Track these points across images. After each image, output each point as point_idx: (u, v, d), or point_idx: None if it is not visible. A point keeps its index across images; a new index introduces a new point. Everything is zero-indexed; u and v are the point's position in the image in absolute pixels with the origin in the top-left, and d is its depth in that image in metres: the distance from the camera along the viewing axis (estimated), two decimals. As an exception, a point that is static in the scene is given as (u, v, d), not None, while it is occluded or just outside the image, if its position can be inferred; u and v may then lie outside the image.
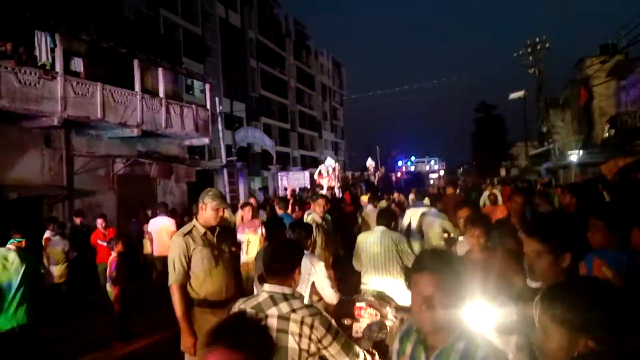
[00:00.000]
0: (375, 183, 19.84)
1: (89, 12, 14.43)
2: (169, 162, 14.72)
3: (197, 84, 32.07)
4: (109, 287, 6.70)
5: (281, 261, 2.40)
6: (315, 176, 17.02)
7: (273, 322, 2.23)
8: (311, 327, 2.21)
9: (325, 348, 2.24)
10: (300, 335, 2.21)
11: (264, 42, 45.04)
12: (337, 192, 15.51)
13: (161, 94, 14.98)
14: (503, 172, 36.17)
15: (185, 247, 3.59)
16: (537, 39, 24.25)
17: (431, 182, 39.38)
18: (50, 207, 12.24)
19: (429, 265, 1.58)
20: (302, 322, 2.22)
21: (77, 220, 10.62)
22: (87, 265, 9.35)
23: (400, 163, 52.09)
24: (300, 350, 2.21)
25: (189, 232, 3.68)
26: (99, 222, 9.44)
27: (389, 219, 5.14)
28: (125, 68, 14.23)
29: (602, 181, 10.14)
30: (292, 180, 21.30)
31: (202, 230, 3.69)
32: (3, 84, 10.30)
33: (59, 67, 11.70)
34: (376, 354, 2.71)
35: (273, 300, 2.30)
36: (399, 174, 36.32)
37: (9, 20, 10.85)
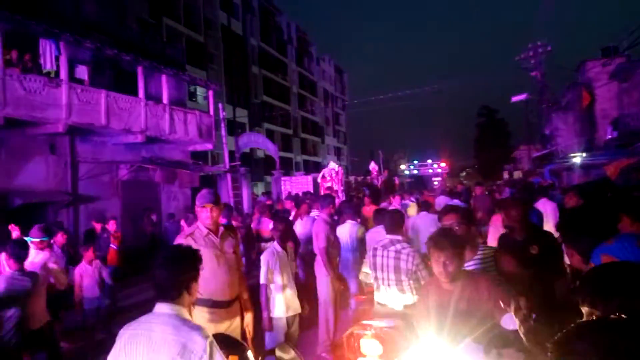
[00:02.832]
0: (379, 186, 19.85)
1: (93, 21, 14.57)
2: (173, 167, 14.78)
3: (200, 91, 32.24)
4: None
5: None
6: (319, 180, 17.07)
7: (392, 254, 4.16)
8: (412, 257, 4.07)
9: (420, 270, 4.02)
10: (406, 261, 4.06)
11: (266, 49, 45.28)
12: (341, 196, 15.55)
13: (165, 100, 15.08)
14: (506, 175, 36.13)
15: None
16: (539, 42, 24.30)
17: (435, 184, 39.35)
18: (55, 212, 12.33)
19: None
20: (407, 254, 4.09)
21: (98, 227, 10.50)
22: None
23: (403, 167, 52.13)
24: (408, 269, 4.04)
25: (191, 234, 3.73)
26: (111, 225, 9.61)
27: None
28: (129, 75, 14.35)
29: (607, 182, 10.15)
30: (296, 185, 21.33)
31: (205, 231, 3.73)
32: (8, 91, 10.40)
33: (63, 74, 11.81)
34: None
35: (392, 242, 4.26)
36: (401, 177, 36.33)
37: (14, 28, 10.97)
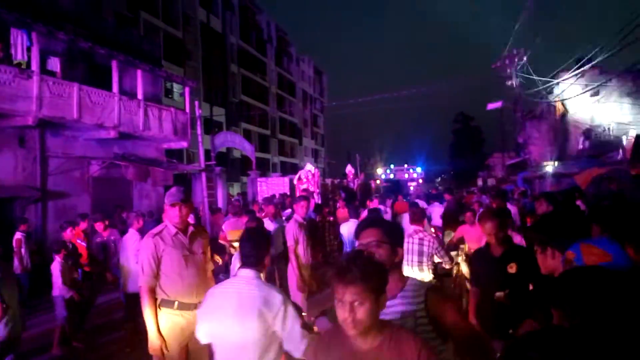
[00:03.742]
0: (355, 189, 19.85)
1: (67, 12, 14.21)
2: (146, 164, 14.51)
3: (176, 88, 31.84)
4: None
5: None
6: (295, 181, 16.98)
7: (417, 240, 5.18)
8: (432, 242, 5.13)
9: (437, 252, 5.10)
10: (428, 246, 5.11)
11: (245, 47, 44.99)
12: (317, 198, 15.48)
13: (139, 95, 14.80)
14: (480, 182, 36.58)
15: (154, 247, 3.52)
16: (515, 51, 24.64)
17: (410, 189, 39.60)
18: (23, 208, 11.96)
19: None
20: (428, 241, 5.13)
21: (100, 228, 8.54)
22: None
23: (380, 170, 52.38)
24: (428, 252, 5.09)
25: (159, 233, 3.61)
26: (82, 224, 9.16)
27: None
28: (103, 69, 14.04)
29: (577, 191, 10.33)
30: (272, 186, 21.18)
31: (173, 230, 3.61)
32: (-24, 81, 10.07)
33: (35, 66, 11.49)
34: None
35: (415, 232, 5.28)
36: (377, 181, 36.46)
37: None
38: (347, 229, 7.93)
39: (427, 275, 5.09)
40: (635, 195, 9.28)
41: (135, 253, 5.65)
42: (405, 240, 4.70)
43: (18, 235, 8.78)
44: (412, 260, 5.13)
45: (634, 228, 2.94)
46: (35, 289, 8.79)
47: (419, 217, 5.68)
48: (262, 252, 2.82)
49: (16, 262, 8.48)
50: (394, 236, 2.33)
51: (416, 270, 5.11)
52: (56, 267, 6.41)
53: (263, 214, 9.44)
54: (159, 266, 3.51)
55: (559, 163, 21.65)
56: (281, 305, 2.61)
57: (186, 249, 3.63)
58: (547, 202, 6.82)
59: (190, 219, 3.90)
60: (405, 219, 7.11)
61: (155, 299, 3.50)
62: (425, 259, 5.16)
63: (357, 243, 2.37)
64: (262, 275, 2.82)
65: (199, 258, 3.70)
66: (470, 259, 4.57)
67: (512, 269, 3.53)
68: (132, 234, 6.68)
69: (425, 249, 5.19)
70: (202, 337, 2.76)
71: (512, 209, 8.21)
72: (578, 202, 8.68)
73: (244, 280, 2.72)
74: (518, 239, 5.33)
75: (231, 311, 2.60)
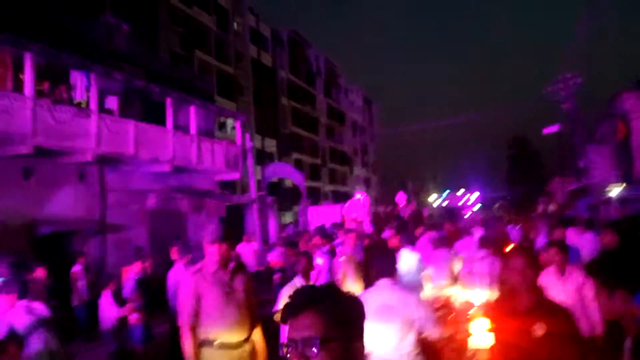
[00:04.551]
0: (406, 218, 19.47)
1: (125, 52, 14.96)
2: (200, 196, 14.82)
3: (230, 121, 32.72)
4: None
5: None
6: (344, 211, 16.84)
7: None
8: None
9: None
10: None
11: (294, 80, 45.90)
12: (367, 227, 15.25)
13: (192, 130, 15.23)
14: (540, 208, 35.14)
15: (195, 286, 3.47)
16: (568, 75, 23.86)
17: (465, 216, 38.45)
18: (82, 241, 12.40)
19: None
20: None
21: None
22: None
23: (432, 198, 51.36)
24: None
25: (199, 271, 3.57)
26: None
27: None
28: (158, 106, 14.59)
29: (644, 217, 9.62)
30: (323, 215, 21.12)
31: (213, 268, 3.56)
32: (39, 121, 10.62)
33: (93, 105, 12.05)
34: None
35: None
36: (430, 209, 35.75)
37: (47, 60, 11.29)
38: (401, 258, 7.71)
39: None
40: None
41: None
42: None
43: (75, 268, 9.07)
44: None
45: None
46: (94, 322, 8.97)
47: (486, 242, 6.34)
48: (393, 264, 3.71)
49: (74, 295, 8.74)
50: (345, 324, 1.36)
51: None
52: (105, 301, 6.50)
53: (311, 244, 9.28)
54: (199, 304, 3.46)
55: (624, 187, 20.47)
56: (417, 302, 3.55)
57: (227, 287, 3.56)
58: (614, 233, 6.13)
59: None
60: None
61: (196, 338, 3.43)
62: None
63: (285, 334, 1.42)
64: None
65: (239, 296, 3.61)
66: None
67: (540, 329, 2.59)
68: (177, 269, 6.67)
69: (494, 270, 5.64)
70: None
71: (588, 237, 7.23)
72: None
73: (384, 288, 3.51)
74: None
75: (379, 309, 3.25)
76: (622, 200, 18.75)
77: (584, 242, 7.32)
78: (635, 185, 20.85)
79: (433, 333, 3.42)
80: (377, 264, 3.69)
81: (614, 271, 2.59)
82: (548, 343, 2.47)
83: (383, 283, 3.55)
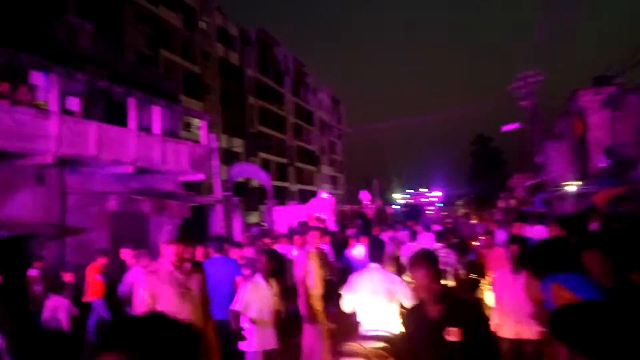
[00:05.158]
0: (372, 216, 19.76)
1: (87, 52, 14.74)
2: (162, 198, 14.73)
3: (196, 121, 32.50)
4: None
5: None
6: (309, 209, 17.01)
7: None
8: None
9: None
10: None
11: (262, 79, 45.81)
12: (332, 225, 15.45)
13: (156, 131, 15.12)
14: (502, 204, 36.08)
15: (151, 285, 3.56)
16: (529, 72, 24.58)
17: (429, 213, 39.14)
18: (41, 245, 12.19)
19: None
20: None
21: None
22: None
23: (397, 195, 52.01)
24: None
25: (156, 270, 3.66)
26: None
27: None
28: (122, 106, 14.43)
29: (593, 211, 10.07)
30: (289, 215, 21.22)
31: (170, 268, 3.66)
32: (-3, 123, 10.43)
33: (53, 106, 11.87)
34: None
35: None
36: (395, 206, 36.25)
37: (6, 60, 11.08)
38: (357, 252, 8.08)
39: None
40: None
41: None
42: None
43: (32, 272, 8.94)
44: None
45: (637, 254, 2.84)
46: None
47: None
48: (382, 254, 4.67)
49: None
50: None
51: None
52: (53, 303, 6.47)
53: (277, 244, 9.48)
54: (154, 304, 3.55)
55: (579, 183, 21.26)
56: (399, 283, 4.41)
57: (182, 287, 3.66)
58: (560, 226, 6.55)
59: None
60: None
61: None
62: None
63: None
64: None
65: (195, 295, 3.72)
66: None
67: (453, 335, 2.59)
68: (135, 272, 6.70)
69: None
70: (347, 307, 4.49)
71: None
72: (594, 224, 8.46)
73: (374, 270, 4.51)
74: None
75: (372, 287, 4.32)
76: (577, 195, 19.46)
77: (534, 235, 7.81)
78: (590, 180, 21.66)
79: (409, 305, 4.03)
80: (369, 252, 4.72)
81: (537, 259, 2.81)
82: (462, 347, 2.50)
83: (373, 266, 4.56)
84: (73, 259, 12.11)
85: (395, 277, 4.54)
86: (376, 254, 4.63)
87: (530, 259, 3.27)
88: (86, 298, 8.86)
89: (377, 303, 4.22)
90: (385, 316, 4.22)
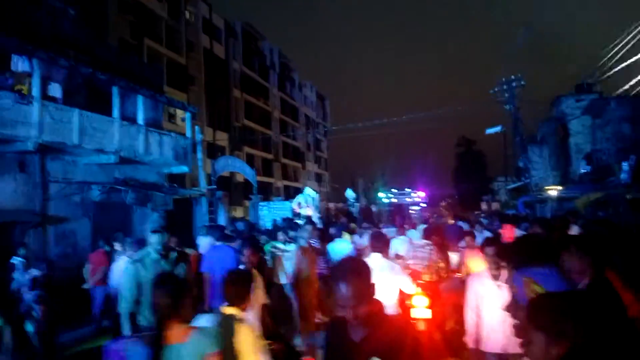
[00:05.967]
0: (357, 215, 19.82)
1: (71, 38, 14.47)
2: (146, 189, 14.57)
3: (180, 112, 32.17)
4: None
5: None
6: (294, 206, 16.98)
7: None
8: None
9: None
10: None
11: (248, 73, 45.53)
12: (318, 223, 15.45)
13: (140, 121, 14.94)
14: (484, 206, 36.48)
15: (136, 274, 3.53)
16: (512, 77, 24.86)
17: (412, 213, 39.42)
18: (22, 233, 11.97)
19: None
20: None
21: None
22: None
23: (381, 195, 52.25)
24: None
25: (141, 260, 3.62)
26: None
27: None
28: (105, 95, 14.21)
29: (573, 215, 10.25)
30: (274, 211, 21.19)
31: (156, 257, 3.62)
32: (-23, 107, 10.20)
33: (35, 92, 11.64)
34: None
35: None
36: (379, 206, 36.37)
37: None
38: (338, 247, 8.20)
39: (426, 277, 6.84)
40: (630, 220, 9.22)
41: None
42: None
43: (14, 260, 8.78)
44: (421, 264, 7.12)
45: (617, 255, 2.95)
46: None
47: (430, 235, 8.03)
48: (382, 244, 5.13)
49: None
50: None
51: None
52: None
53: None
54: (139, 293, 3.51)
55: (561, 187, 21.61)
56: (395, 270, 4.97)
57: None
58: (541, 228, 6.82)
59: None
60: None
61: (136, 325, 3.49)
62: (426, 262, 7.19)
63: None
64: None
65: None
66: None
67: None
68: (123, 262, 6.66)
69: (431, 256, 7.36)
70: None
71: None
72: (575, 227, 8.60)
73: (376, 258, 4.92)
74: None
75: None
76: (558, 199, 19.76)
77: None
78: (571, 184, 22.02)
79: (408, 290, 5.04)
80: (372, 243, 5.16)
81: (515, 252, 2.92)
82: None
83: (375, 256, 4.98)
84: (55, 248, 11.93)
85: (396, 265, 5.11)
86: (378, 245, 5.06)
87: (509, 253, 3.39)
88: (89, 284, 9.15)
89: (379, 288, 4.21)
90: (385, 301, 4.21)
